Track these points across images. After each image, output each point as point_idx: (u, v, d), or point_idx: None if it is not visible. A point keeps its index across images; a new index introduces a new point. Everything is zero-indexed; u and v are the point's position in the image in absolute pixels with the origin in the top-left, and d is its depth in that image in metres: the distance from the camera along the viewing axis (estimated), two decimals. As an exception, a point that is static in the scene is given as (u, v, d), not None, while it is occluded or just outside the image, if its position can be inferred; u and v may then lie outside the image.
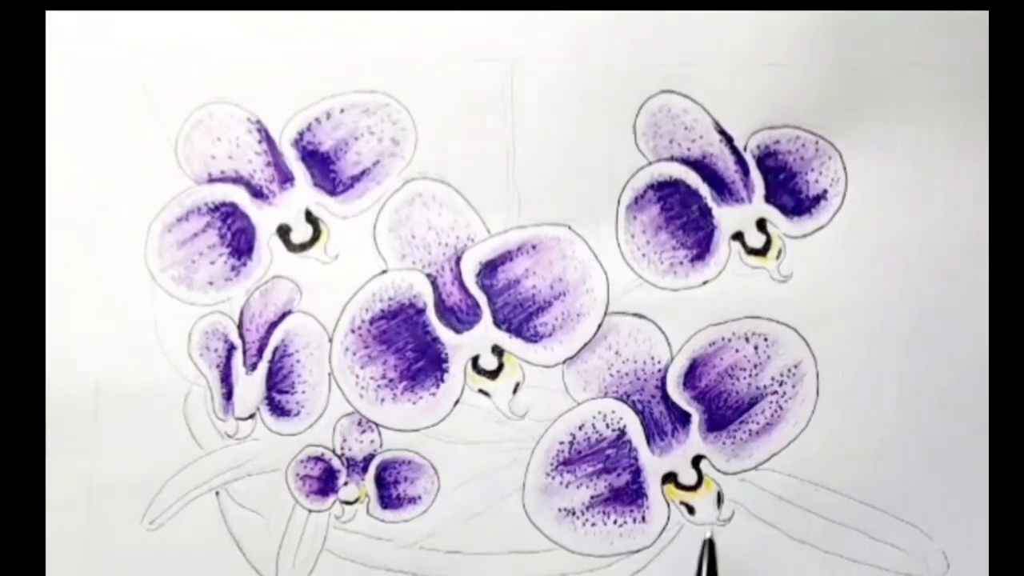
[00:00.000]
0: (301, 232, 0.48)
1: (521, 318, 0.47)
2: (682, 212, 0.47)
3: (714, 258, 0.47)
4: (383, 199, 0.48)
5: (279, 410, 0.47)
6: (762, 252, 0.47)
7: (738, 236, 0.47)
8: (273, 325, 0.48)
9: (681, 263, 0.47)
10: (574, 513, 0.47)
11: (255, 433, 0.47)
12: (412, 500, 0.47)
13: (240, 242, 0.48)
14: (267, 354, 0.48)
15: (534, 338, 0.47)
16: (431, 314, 0.47)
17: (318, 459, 0.47)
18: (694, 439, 0.47)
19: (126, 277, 0.48)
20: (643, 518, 0.47)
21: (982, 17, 0.47)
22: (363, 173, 0.48)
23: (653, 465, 0.47)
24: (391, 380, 0.47)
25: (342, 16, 0.47)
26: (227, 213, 0.48)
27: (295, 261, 0.48)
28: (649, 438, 0.47)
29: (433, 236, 0.47)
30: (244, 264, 0.48)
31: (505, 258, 0.47)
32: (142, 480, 0.47)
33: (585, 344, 0.47)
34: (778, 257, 0.47)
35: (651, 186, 0.47)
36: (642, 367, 0.47)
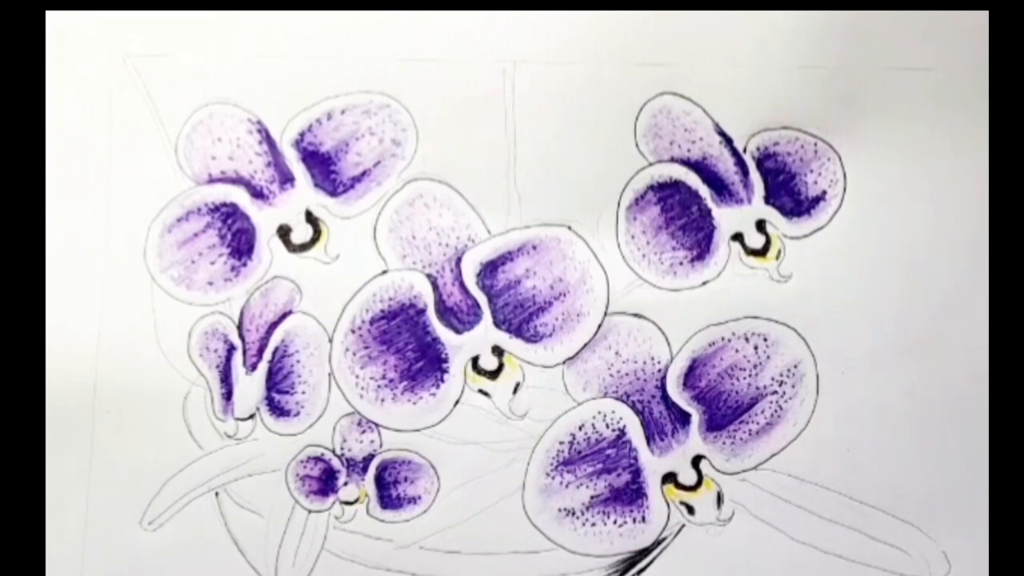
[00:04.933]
0: (301, 232, 0.48)
1: (521, 318, 0.47)
2: (682, 213, 0.47)
3: (714, 259, 0.47)
4: (383, 200, 0.48)
5: (279, 410, 0.47)
6: (762, 253, 0.47)
7: (738, 237, 0.47)
8: (273, 325, 0.48)
9: (681, 263, 0.47)
10: (574, 513, 0.47)
11: (255, 433, 0.47)
12: (412, 500, 0.47)
13: (240, 242, 0.48)
14: (267, 354, 0.48)
15: (534, 338, 0.47)
16: (431, 314, 0.47)
17: (318, 459, 0.47)
18: (694, 439, 0.47)
19: (126, 277, 0.48)
20: (643, 518, 0.47)
21: (982, 17, 0.47)
22: (364, 174, 0.48)
23: (653, 465, 0.47)
24: (391, 380, 0.47)
25: (342, 16, 0.48)
26: (227, 213, 0.48)
27: (295, 261, 0.48)
28: (649, 438, 0.47)
29: (433, 236, 0.47)
30: (244, 264, 0.48)
31: (505, 258, 0.47)
32: (141, 480, 0.47)
33: (585, 344, 0.47)
34: (778, 257, 0.47)
35: (651, 187, 0.47)
36: (642, 367, 0.47)
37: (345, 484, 0.47)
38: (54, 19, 0.47)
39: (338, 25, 0.48)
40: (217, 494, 0.47)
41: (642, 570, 0.47)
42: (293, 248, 0.48)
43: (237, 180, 0.48)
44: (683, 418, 0.47)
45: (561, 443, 0.47)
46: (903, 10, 0.47)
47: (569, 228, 0.47)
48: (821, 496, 0.46)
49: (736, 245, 0.47)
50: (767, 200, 0.47)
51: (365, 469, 0.47)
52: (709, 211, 0.47)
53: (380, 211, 0.48)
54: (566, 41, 0.47)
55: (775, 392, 0.47)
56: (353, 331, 0.47)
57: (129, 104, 0.48)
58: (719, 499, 0.47)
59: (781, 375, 0.47)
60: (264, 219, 0.48)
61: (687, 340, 0.47)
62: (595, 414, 0.47)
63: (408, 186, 0.48)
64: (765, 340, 0.47)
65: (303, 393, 0.47)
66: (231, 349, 0.48)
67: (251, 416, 0.47)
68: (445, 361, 0.47)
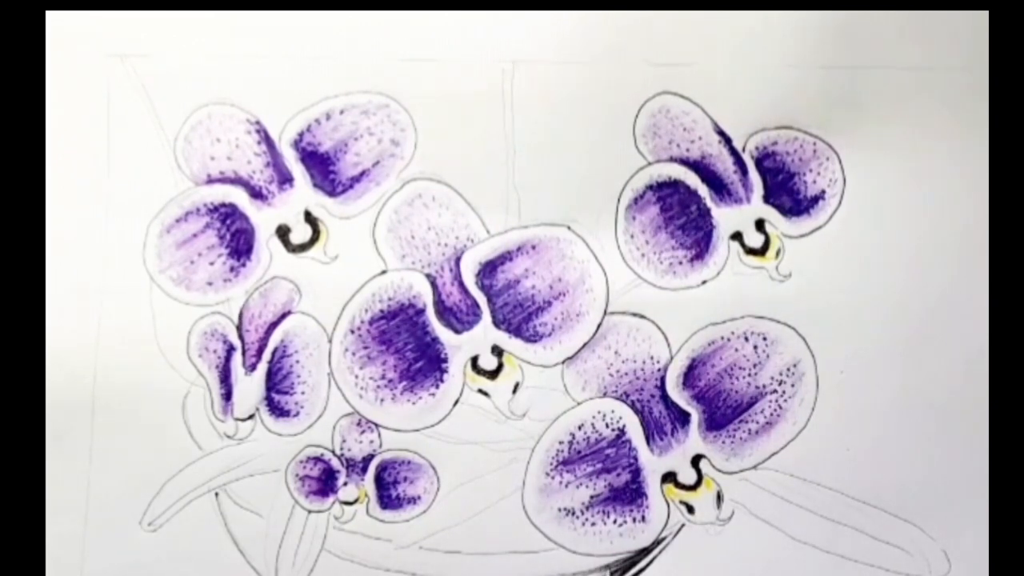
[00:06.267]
0: (300, 233, 0.48)
1: (520, 318, 0.47)
2: (681, 212, 0.47)
3: (713, 258, 0.47)
4: (382, 200, 0.48)
5: (278, 411, 0.47)
6: (761, 252, 0.47)
7: (737, 236, 0.47)
8: (272, 326, 0.48)
9: (680, 263, 0.47)
10: (574, 513, 0.46)
11: (254, 434, 0.47)
12: (412, 500, 0.47)
13: (239, 243, 0.48)
14: (266, 355, 0.48)
15: (533, 338, 0.47)
16: (430, 314, 0.47)
17: (317, 459, 0.47)
18: (693, 438, 0.47)
19: (125, 278, 0.48)
20: (643, 518, 0.47)
21: (982, 17, 0.47)
22: (362, 174, 0.48)
23: (653, 465, 0.47)
24: (390, 380, 0.47)
25: (341, 16, 0.48)
26: (226, 214, 0.48)
27: (294, 262, 0.48)
28: (648, 438, 0.47)
29: (432, 236, 0.47)
30: (243, 265, 0.48)
31: (505, 258, 0.47)
32: (141, 481, 0.47)
33: (584, 344, 0.47)
34: (777, 257, 0.47)
35: (650, 186, 0.47)
36: (641, 367, 0.47)
37: (345, 484, 0.47)
38: (54, 19, 0.48)
39: (336, 25, 0.48)
40: (217, 494, 0.47)
41: (642, 570, 0.46)
42: (292, 248, 0.48)
43: (236, 180, 0.48)
44: (683, 417, 0.47)
45: (561, 443, 0.47)
46: (903, 10, 0.47)
47: (568, 228, 0.47)
48: (821, 495, 0.46)
49: (735, 244, 0.47)
50: (766, 199, 0.47)
51: (365, 469, 0.47)
52: (708, 210, 0.47)
53: (379, 211, 0.48)
54: (565, 41, 0.47)
55: (775, 391, 0.47)
56: (352, 331, 0.47)
57: (128, 104, 0.48)
58: (719, 498, 0.47)
59: (781, 374, 0.47)
60: (263, 219, 0.48)
61: (686, 339, 0.47)
62: (594, 414, 0.47)
63: (407, 186, 0.48)
64: (764, 339, 0.47)
65: (302, 393, 0.47)
66: (230, 349, 0.48)
67: (250, 416, 0.47)
68: (444, 361, 0.47)
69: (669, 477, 0.47)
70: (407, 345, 0.47)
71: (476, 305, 0.47)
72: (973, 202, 0.47)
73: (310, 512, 0.47)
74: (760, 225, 0.47)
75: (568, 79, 0.47)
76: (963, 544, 0.46)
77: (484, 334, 0.47)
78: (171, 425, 0.47)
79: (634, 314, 0.47)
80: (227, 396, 0.47)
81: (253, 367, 0.48)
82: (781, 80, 0.47)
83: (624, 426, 0.47)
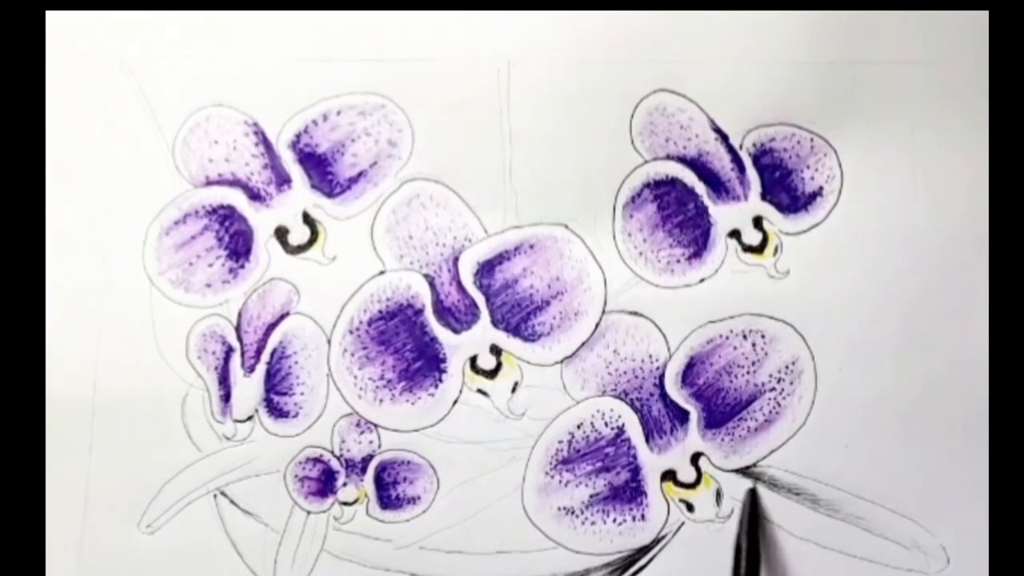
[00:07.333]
0: (299, 234, 0.48)
1: (519, 317, 0.47)
2: (679, 210, 0.47)
3: (711, 256, 0.47)
4: (380, 200, 0.48)
5: (277, 412, 0.47)
6: (759, 249, 0.47)
7: (735, 234, 0.47)
8: (271, 327, 0.48)
9: (678, 261, 0.47)
10: (573, 512, 0.46)
11: (253, 435, 0.47)
12: (411, 500, 0.47)
13: (238, 244, 0.48)
14: (265, 356, 0.48)
15: (532, 337, 0.47)
16: (429, 314, 0.47)
17: (317, 460, 0.47)
18: (693, 436, 0.47)
19: (124, 280, 0.48)
20: (642, 516, 0.46)
21: (982, 17, 0.47)
22: (360, 174, 0.48)
23: (652, 463, 0.47)
24: (389, 381, 0.47)
25: (337, 17, 0.48)
26: (225, 216, 0.48)
27: (293, 263, 0.48)
28: (648, 436, 0.47)
29: (430, 236, 0.48)
30: (242, 266, 0.48)
31: (503, 258, 0.47)
32: (140, 483, 0.47)
33: (583, 343, 0.47)
34: (775, 254, 0.47)
35: (647, 185, 0.47)
36: (640, 365, 0.47)
37: (344, 485, 0.47)
38: (54, 19, 0.48)
39: (333, 26, 0.48)
40: (216, 496, 0.47)
41: (642, 568, 0.46)
42: (291, 249, 0.48)
43: (234, 182, 0.48)
44: (682, 415, 0.47)
45: (560, 442, 0.47)
46: (902, 10, 0.47)
47: (566, 227, 0.47)
48: (820, 491, 0.46)
49: (733, 242, 0.47)
50: (764, 196, 0.47)
51: (364, 469, 0.47)
52: (706, 208, 0.47)
53: (377, 212, 0.48)
54: (561, 40, 0.47)
55: (773, 389, 0.47)
56: (351, 332, 0.47)
57: (126, 107, 0.48)
58: (718, 496, 0.46)
59: (779, 372, 0.47)
60: (261, 221, 0.48)
61: (685, 338, 0.47)
62: (593, 412, 0.47)
63: (405, 186, 0.48)
64: (763, 337, 0.47)
65: (301, 394, 0.47)
66: (229, 351, 0.48)
67: (249, 418, 0.47)
68: (443, 361, 0.47)
69: (668, 475, 0.47)
70: (406, 345, 0.47)
71: (474, 305, 0.47)
72: (972, 199, 0.47)
73: (309, 513, 0.47)
74: (758, 222, 0.47)
75: (564, 78, 0.47)
76: (962, 540, 0.46)
77: (483, 334, 0.47)
78: (170, 427, 0.47)
79: (632, 312, 0.47)
80: (226, 397, 0.47)
81: (252, 368, 0.48)
82: (778, 77, 0.47)
83: (623, 424, 0.47)
